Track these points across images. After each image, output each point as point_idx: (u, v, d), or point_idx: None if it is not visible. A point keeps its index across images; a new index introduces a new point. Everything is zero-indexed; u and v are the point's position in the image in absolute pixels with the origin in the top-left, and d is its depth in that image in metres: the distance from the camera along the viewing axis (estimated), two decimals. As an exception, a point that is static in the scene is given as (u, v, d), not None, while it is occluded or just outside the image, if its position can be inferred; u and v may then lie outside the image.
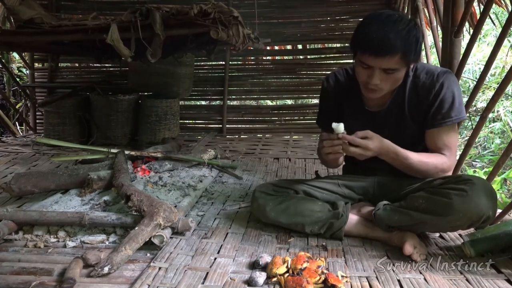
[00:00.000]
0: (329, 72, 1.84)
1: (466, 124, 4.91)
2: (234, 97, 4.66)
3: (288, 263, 1.33)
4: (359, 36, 1.46)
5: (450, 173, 1.62)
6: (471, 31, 2.87)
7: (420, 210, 1.44)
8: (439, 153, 1.57)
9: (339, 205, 1.63)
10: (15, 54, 5.10)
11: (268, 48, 4.62)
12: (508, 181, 3.79)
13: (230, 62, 4.52)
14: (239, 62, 4.68)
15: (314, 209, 1.62)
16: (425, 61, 3.36)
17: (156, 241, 1.51)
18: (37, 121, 4.45)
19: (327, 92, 1.78)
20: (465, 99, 1.94)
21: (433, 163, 1.55)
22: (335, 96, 1.75)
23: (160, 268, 1.38)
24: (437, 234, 1.65)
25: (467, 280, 1.31)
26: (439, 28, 2.83)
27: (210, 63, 4.58)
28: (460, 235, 1.62)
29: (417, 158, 1.54)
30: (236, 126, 4.51)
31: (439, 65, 2.44)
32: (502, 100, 4.78)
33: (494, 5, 3.03)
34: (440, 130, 1.55)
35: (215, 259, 1.46)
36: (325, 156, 1.54)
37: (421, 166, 1.55)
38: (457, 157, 1.73)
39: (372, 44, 1.40)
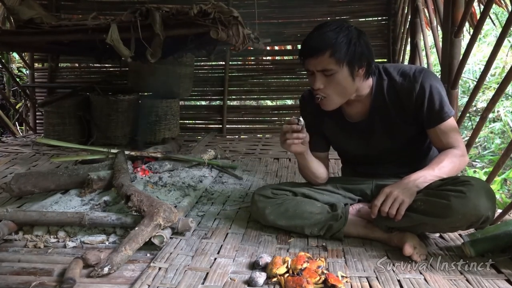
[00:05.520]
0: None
1: (466, 124, 4.91)
2: (234, 97, 4.66)
3: (288, 263, 1.33)
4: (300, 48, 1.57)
5: (466, 158, 1.62)
6: (471, 31, 2.87)
7: (419, 212, 1.44)
8: (448, 147, 1.56)
9: (338, 206, 1.62)
10: (15, 54, 5.11)
11: (268, 48, 4.62)
12: (508, 181, 3.79)
13: (230, 62, 4.53)
14: (239, 62, 4.68)
15: (313, 211, 1.62)
16: (425, 61, 3.36)
17: (156, 241, 1.51)
18: (37, 121, 4.46)
19: (306, 108, 1.77)
20: (465, 99, 1.94)
21: (453, 160, 1.54)
22: (314, 110, 1.72)
23: (160, 268, 1.38)
24: (437, 234, 1.65)
25: (467, 280, 1.31)
26: (439, 28, 2.83)
27: (210, 63, 4.59)
28: (460, 235, 1.62)
29: (445, 166, 1.52)
30: (236, 126, 4.51)
31: (439, 65, 2.44)
32: (502, 100, 4.77)
33: (494, 5, 3.03)
34: (440, 126, 1.55)
35: (215, 259, 1.45)
36: (284, 142, 1.54)
37: (452, 169, 1.54)
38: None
39: (304, 48, 1.53)
